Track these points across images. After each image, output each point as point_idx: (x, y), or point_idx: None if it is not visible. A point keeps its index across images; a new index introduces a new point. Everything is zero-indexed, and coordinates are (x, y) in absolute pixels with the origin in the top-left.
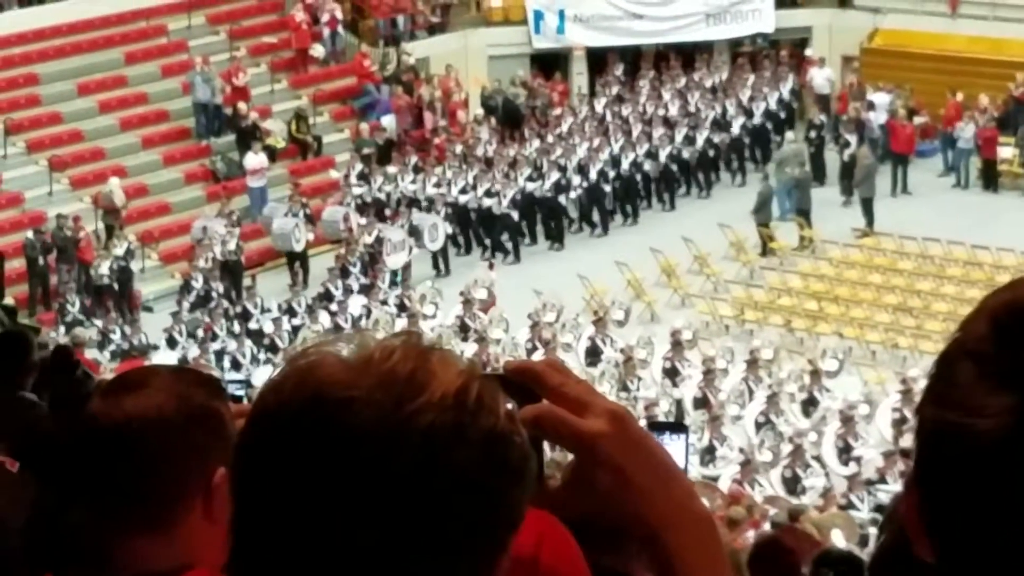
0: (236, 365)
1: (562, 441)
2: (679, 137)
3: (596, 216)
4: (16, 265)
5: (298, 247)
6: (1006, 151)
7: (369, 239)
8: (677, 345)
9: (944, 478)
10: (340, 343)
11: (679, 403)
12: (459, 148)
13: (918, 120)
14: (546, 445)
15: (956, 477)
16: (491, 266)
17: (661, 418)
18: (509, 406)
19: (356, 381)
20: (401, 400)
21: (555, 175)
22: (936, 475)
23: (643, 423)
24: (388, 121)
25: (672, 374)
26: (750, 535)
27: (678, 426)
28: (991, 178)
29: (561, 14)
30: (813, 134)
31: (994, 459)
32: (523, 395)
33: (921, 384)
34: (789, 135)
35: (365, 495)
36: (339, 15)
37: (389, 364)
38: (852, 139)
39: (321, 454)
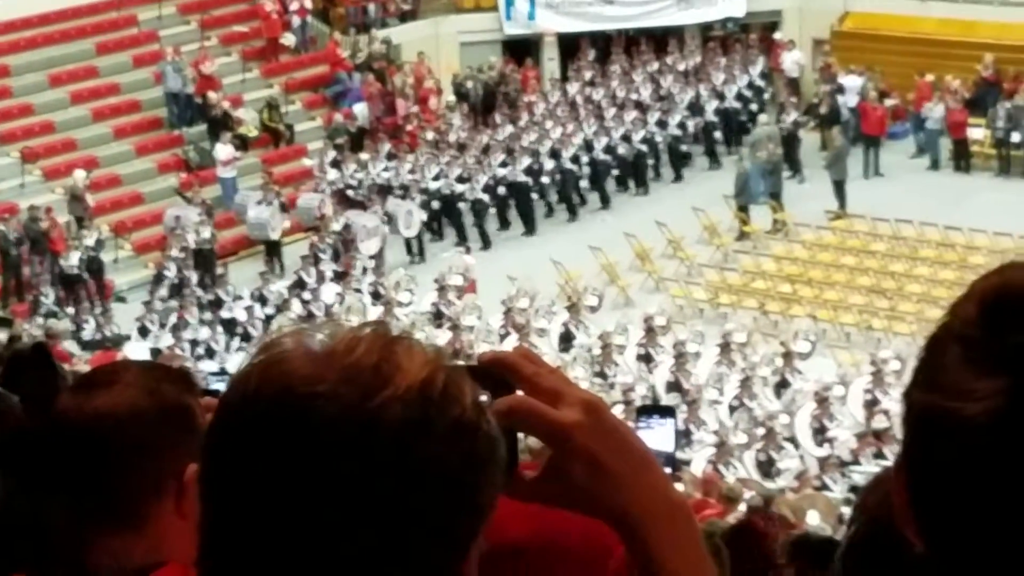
0: (210, 353)
1: (536, 432)
2: (652, 121)
3: (569, 201)
4: None
5: (274, 235)
6: (977, 132)
7: (338, 226)
8: (650, 331)
9: (932, 462)
10: (310, 332)
11: (654, 388)
12: (431, 135)
13: (889, 102)
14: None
15: (944, 461)
16: (467, 251)
17: (638, 403)
18: (484, 397)
19: (321, 375)
20: (366, 394)
21: (527, 160)
22: (924, 459)
23: (621, 408)
24: (360, 109)
25: (646, 360)
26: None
27: (666, 410)
28: (963, 159)
29: (532, 0)
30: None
31: (982, 443)
32: (497, 386)
33: (892, 366)
34: (762, 118)
35: (332, 490)
36: (308, 3)
37: (354, 357)
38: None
39: (287, 450)
